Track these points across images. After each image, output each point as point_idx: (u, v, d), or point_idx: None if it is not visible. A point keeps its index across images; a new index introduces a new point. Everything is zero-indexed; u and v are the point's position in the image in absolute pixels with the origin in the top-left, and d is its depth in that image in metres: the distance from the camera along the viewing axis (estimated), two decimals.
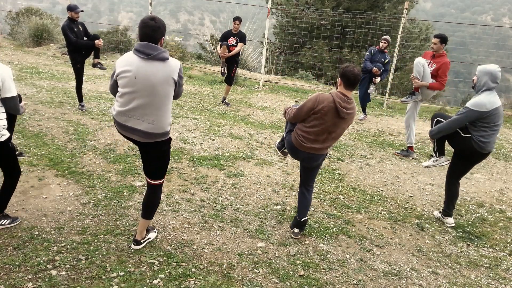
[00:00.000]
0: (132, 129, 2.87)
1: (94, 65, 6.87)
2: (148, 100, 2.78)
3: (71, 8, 6.50)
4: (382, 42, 7.41)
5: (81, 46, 6.48)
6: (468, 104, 3.80)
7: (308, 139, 3.31)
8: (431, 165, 4.36)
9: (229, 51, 7.65)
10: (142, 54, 2.71)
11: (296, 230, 3.63)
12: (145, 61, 2.72)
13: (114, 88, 2.93)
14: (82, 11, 6.72)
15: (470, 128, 3.86)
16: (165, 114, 2.88)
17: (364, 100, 7.79)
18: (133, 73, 2.73)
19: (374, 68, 7.36)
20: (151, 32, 2.71)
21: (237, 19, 7.57)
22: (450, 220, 4.17)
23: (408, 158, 6.02)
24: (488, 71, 3.80)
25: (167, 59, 2.77)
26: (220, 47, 7.75)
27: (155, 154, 3.01)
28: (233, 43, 7.64)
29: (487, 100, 3.73)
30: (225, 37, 7.68)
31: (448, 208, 4.17)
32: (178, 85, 2.89)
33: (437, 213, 4.34)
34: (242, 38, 7.69)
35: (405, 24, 10.12)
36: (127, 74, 2.75)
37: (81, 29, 6.59)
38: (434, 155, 4.33)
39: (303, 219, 3.60)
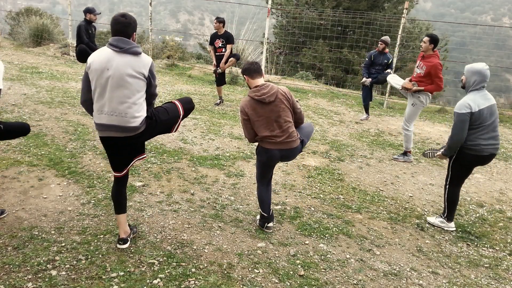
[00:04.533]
0: (108, 126, 2.86)
1: None
2: (118, 92, 2.80)
3: (90, 11, 6.61)
4: (379, 44, 7.36)
5: (85, 50, 6.53)
6: (454, 109, 3.77)
7: (267, 136, 3.36)
8: (437, 224, 4.09)
9: (216, 52, 7.65)
10: (116, 48, 2.81)
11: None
12: (118, 54, 2.81)
13: (85, 87, 2.91)
14: (100, 13, 6.80)
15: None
16: (136, 107, 2.85)
17: (367, 99, 7.78)
18: (105, 64, 2.79)
19: (365, 80, 7.48)
20: (123, 28, 2.84)
21: (216, 18, 7.51)
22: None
23: (406, 162, 5.89)
24: (477, 70, 3.72)
25: (140, 53, 2.86)
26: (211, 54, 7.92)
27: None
28: (220, 45, 7.59)
29: (471, 101, 3.67)
30: (212, 39, 7.65)
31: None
32: (149, 83, 2.91)
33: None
34: (228, 39, 7.58)
35: (405, 24, 10.12)
36: (99, 66, 2.80)
37: (94, 32, 6.69)
38: (443, 218, 4.07)
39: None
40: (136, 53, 2.84)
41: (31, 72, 9.35)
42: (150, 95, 2.98)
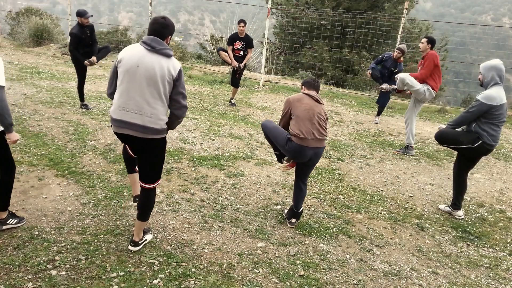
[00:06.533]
0: (129, 124, 2.85)
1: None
2: (147, 90, 2.79)
3: (80, 14, 6.51)
4: (396, 52, 7.18)
5: (75, 56, 6.49)
6: (479, 97, 3.95)
7: (305, 128, 3.48)
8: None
9: (233, 52, 7.63)
10: (148, 46, 2.81)
11: (293, 220, 3.82)
12: (150, 53, 2.81)
13: (112, 79, 2.93)
14: (92, 15, 6.74)
15: (479, 128, 3.99)
16: (162, 110, 2.88)
17: (384, 104, 7.73)
18: (136, 61, 2.78)
19: (368, 71, 7.43)
20: (160, 28, 2.87)
21: (242, 21, 7.48)
22: (460, 213, 4.33)
23: (406, 155, 6.05)
24: (492, 66, 4.00)
25: (171, 56, 2.88)
26: (219, 52, 7.90)
27: (150, 152, 2.98)
28: (239, 47, 7.59)
29: (497, 94, 3.91)
30: (232, 40, 7.62)
31: (458, 201, 4.32)
32: (176, 85, 2.88)
33: (443, 207, 4.48)
34: (249, 43, 7.63)
35: (405, 24, 10.13)
36: (130, 62, 2.79)
37: (88, 34, 6.58)
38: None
39: (300, 210, 3.80)
40: (168, 55, 2.85)
41: (31, 72, 9.35)
42: (176, 101, 2.92)
